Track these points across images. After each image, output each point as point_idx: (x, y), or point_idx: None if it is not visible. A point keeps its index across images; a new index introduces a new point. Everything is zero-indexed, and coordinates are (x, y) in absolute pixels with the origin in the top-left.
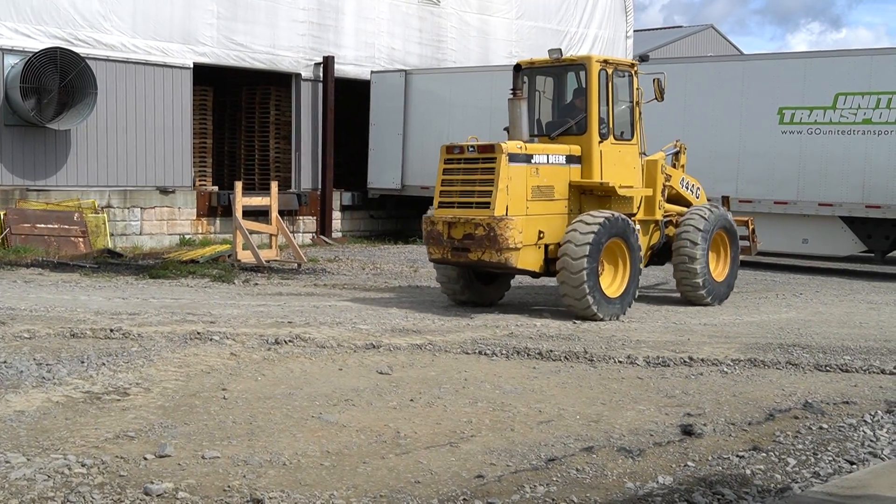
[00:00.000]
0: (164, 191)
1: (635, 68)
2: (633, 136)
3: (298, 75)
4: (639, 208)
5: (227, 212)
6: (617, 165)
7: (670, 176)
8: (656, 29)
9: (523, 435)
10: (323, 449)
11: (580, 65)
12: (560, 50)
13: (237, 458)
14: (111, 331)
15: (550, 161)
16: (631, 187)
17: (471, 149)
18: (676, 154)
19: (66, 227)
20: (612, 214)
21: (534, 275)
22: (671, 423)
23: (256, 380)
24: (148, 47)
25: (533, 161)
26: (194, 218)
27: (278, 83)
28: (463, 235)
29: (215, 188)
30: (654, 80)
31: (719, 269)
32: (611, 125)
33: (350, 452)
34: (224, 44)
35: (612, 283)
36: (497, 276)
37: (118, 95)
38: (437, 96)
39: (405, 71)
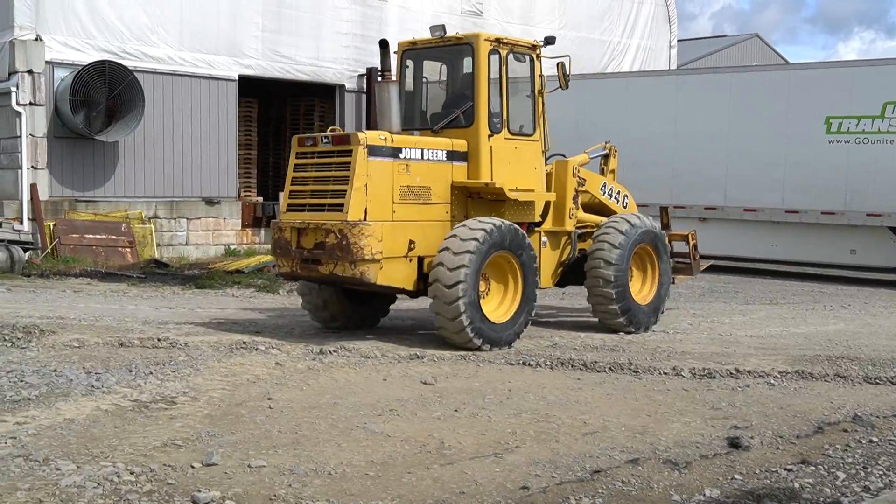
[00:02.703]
0: (209, 201)
1: (538, 52)
2: (534, 130)
3: (342, 87)
4: (543, 217)
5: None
6: (512, 164)
7: (585, 180)
8: (701, 38)
9: (568, 446)
10: (368, 459)
11: (467, 45)
12: (443, 27)
13: (283, 468)
14: (158, 340)
15: (426, 157)
16: (531, 191)
17: (325, 140)
18: (605, 157)
19: (114, 237)
20: (500, 223)
21: (410, 294)
22: (718, 435)
23: (301, 389)
24: (194, 60)
25: (402, 156)
26: (239, 228)
27: (322, 95)
28: (314, 244)
29: (260, 199)
30: (557, 65)
31: (645, 291)
32: (504, 117)
33: (395, 462)
34: (269, 56)
35: (500, 305)
36: (372, 295)
37: (165, 107)
38: None
39: None
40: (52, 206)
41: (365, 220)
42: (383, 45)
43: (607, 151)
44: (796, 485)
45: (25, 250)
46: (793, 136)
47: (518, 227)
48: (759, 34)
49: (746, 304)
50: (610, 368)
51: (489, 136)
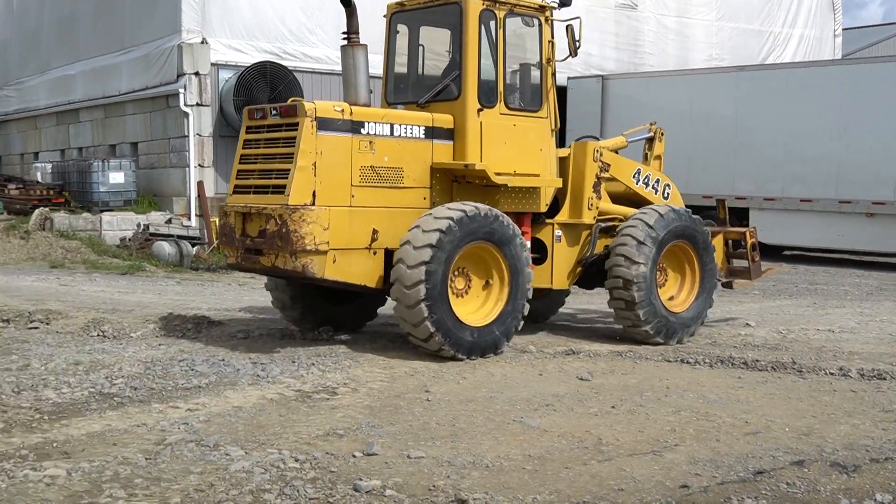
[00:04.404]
0: None
1: (547, 14)
2: (540, 106)
3: None
4: (556, 207)
5: None
6: (509, 145)
7: (609, 165)
8: (868, 27)
9: (729, 446)
10: (525, 453)
11: (454, 4)
12: None
13: (441, 459)
14: (319, 332)
15: (397, 133)
16: (534, 176)
17: (273, 112)
18: (650, 140)
19: None
20: (475, 209)
21: (374, 292)
22: (889, 438)
23: (458, 383)
24: None
25: (364, 131)
26: None
27: None
28: (258, 232)
29: None
30: (566, 28)
31: (682, 297)
32: (500, 88)
33: (552, 457)
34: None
35: (482, 305)
36: (354, 294)
37: None
38: (635, 101)
39: (602, 76)
40: (218, 203)
41: (310, 204)
42: (346, 3)
43: (652, 134)
44: None
45: (193, 245)
46: None
47: (502, 214)
48: None
49: None
50: (772, 367)
51: (479, 110)
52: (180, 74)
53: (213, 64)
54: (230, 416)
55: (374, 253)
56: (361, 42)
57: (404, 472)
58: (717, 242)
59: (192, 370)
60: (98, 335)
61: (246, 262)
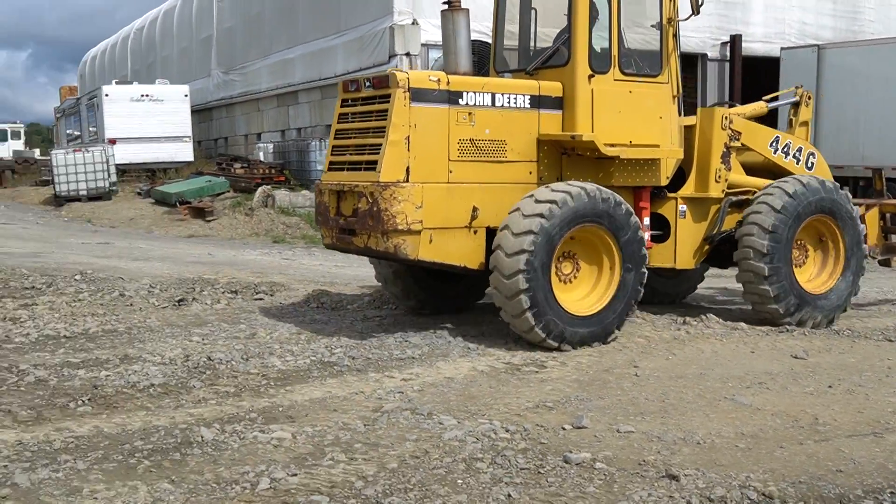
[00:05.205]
0: None
1: None
2: (660, 70)
3: (704, 55)
4: (677, 179)
5: None
6: (625, 113)
7: (740, 133)
8: None
9: None
10: (737, 430)
11: None
12: None
13: (651, 434)
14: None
15: (500, 103)
16: (654, 146)
17: (367, 83)
18: (796, 106)
19: None
20: (583, 190)
21: (476, 273)
22: None
23: (667, 359)
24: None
25: (462, 102)
26: None
27: (683, 64)
28: (351, 211)
29: None
30: None
31: (823, 276)
32: (614, 52)
33: (765, 436)
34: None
35: (590, 293)
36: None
37: None
38: (854, 71)
39: (818, 46)
40: None
41: (403, 180)
42: None
43: (797, 98)
44: None
45: None
46: None
47: (615, 195)
48: None
49: None
50: None
51: (590, 76)
52: (392, 55)
53: (423, 44)
54: (442, 387)
55: (475, 232)
56: (462, 7)
57: (614, 446)
58: (872, 217)
59: (406, 341)
60: (318, 306)
61: (340, 242)
